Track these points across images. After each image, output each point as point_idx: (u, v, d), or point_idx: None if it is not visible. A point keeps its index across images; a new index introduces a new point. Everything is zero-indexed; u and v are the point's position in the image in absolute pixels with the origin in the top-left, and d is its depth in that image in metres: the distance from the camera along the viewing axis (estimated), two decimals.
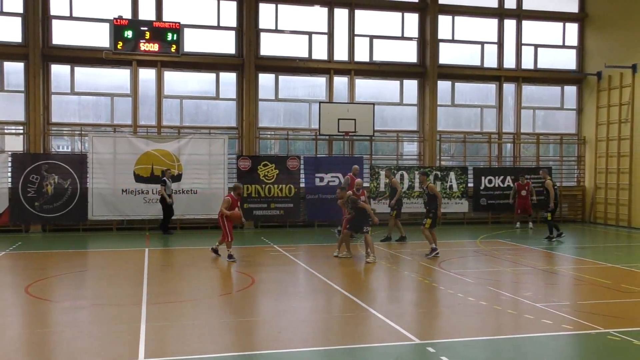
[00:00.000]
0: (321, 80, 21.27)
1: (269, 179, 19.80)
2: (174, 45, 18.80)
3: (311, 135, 21.06)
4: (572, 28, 23.19)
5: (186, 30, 19.57)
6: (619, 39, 21.43)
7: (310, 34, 20.91)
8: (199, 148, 19.28)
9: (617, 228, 20.78)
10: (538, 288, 10.94)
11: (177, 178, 19.05)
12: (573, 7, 23.14)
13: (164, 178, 18.19)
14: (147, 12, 19.52)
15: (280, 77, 20.86)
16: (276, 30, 20.68)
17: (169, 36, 18.77)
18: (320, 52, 21.01)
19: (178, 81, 20.28)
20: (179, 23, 18.94)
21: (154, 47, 18.70)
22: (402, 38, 21.77)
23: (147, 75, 19.67)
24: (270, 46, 20.65)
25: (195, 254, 14.78)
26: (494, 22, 22.55)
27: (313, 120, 20.85)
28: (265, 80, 20.74)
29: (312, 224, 20.24)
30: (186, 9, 19.91)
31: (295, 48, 20.81)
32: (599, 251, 15.28)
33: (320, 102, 20.36)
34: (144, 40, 18.61)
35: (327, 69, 20.92)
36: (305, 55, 20.86)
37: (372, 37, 21.41)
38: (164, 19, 19.33)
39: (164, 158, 18.96)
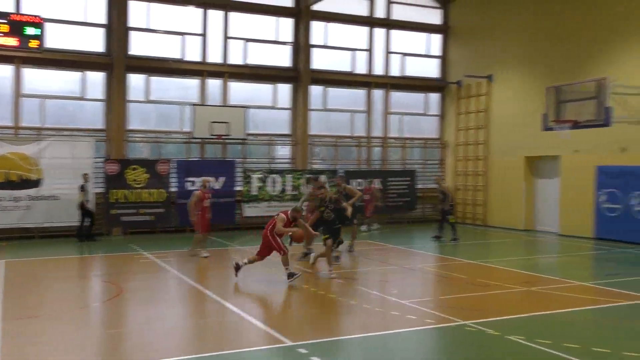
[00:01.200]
0: (194, 83, 20.90)
1: (138, 183, 19.12)
2: (35, 41, 17.60)
3: (183, 138, 20.64)
4: (436, 39, 24.59)
5: (50, 25, 18.39)
6: (478, 50, 23.04)
7: (183, 34, 20.49)
8: (61, 151, 18.17)
9: (474, 227, 22.26)
10: (404, 285, 11.47)
11: (35, 183, 17.82)
12: (437, 19, 24.54)
13: (82, 183, 17.28)
14: (5, 3, 18.14)
15: (152, 78, 20.23)
16: (148, 30, 20.05)
17: (29, 30, 17.54)
18: (193, 54, 20.66)
19: (40, 80, 19.02)
20: (40, 17, 17.78)
21: (12, 41, 17.40)
22: (276, 42, 21.96)
23: (3, 72, 18.30)
24: (141, 45, 19.97)
25: (58, 264, 13.94)
26: (364, 30, 23.37)
27: (185, 123, 20.46)
28: (136, 80, 20.01)
29: (183, 229, 19.79)
30: (50, 2, 18.75)
31: (167, 48, 20.29)
32: (458, 248, 16.25)
33: (193, 105, 20.02)
34: (1, 34, 17.27)
35: (201, 70, 20.62)
36: (178, 56, 20.43)
37: (246, 40, 21.38)
38: (24, 11, 18.06)
39: (21, 162, 17.65)
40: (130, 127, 19.97)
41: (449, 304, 9.78)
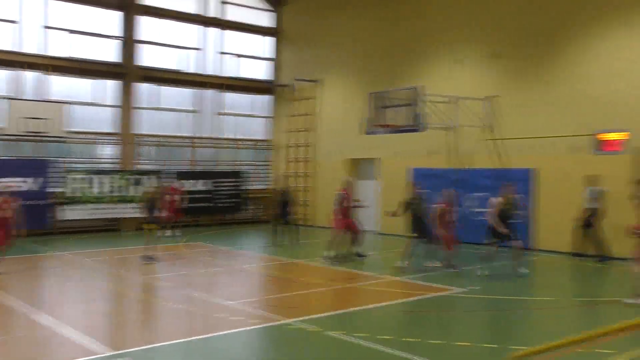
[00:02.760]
0: (7, 74, 19.19)
1: None
2: None
3: None
4: (269, 41, 24.95)
5: None
6: (308, 55, 23.79)
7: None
8: None
9: (304, 227, 22.91)
10: (230, 287, 11.54)
11: None
12: (270, 22, 24.91)
13: None
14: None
15: None
16: None
17: None
18: (5, 42, 18.98)
19: None
20: None
21: None
22: (103, 36, 20.88)
23: None
24: None
25: None
26: (197, 29, 23.05)
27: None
28: None
29: None
30: None
31: None
32: (285, 249, 16.59)
33: (9, 99, 18.39)
34: None
35: (15, 61, 18.99)
36: None
37: (70, 32, 20.07)
38: None
39: None
40: None
41: (274, 303, 10.02)
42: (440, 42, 19.07)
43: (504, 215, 11.90)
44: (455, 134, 18.30)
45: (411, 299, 10.51)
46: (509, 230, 11.95)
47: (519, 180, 16.27)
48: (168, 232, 18.55)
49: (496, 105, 17.38)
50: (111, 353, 7.22)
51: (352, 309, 9.65)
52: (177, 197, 19.33)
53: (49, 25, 19.72)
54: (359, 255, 14.60)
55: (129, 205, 20.20)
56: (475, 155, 17.87)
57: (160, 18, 21.99)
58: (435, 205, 13.42)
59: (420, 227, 13.32)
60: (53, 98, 19.64)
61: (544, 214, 16.27)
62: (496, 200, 11.78)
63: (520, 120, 16.84)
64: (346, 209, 14.58)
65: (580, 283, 12.75)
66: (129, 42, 21.04)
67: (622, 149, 14.62)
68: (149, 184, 19.92)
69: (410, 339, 7.90)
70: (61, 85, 20.16)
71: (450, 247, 13.21)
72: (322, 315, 9.16)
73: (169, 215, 18.22)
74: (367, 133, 17.29)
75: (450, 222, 13.23)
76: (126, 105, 21.00)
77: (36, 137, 18.94)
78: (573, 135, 15.55)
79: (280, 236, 17.31)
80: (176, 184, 20.46)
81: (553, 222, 15.93)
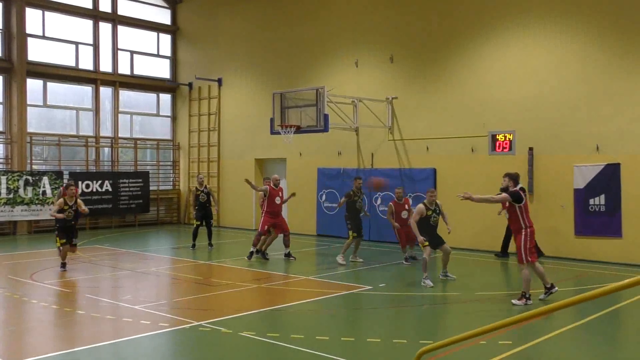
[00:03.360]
0: None
1: None
2: None
3: None
4: (166, 39, 24.30)
5: None
6: (208, 53, 23.38)
7: None
8: None
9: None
10: (137, 290, 11.12)
11: None
12: (166, 19, 24.26)
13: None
14: None
15: None
16: None
17: None
18: None
19: None
20: None
21: None
22: None
23: None
24: None
25: None
26: (89, 24, 22.04)
27: None
28: None
29: None
30: None
31: None
32: (195, 251, 16.13)
33: None
34: None
35: None
36: None
37: None
38: None
39: None
40: None
41: (183, 305, 9.75)
42: (339, 45, 19.29)
43: (425, 222, 11.41)
44: (359, 135, 18.68)
45: (321, 297, 10.56)
46: (426, 237, 11.27)
47: (423, 180, 16.87)
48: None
49: (397, 106, 17.87)
50: None
51: (262, 309, 9.55)
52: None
53: None
54: (288, 255, 14.41)
55: (22, 207, 19.06)
56: (379, 155, 18.29)
57: (46, 10, 20.80)
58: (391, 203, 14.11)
59: (358, 222, 13.72)
60: None
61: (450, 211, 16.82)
62: (417, 206, 11.68)
63: (420, 122, 17.40)
64: (275, 207, 14.31)
65: (482, 278, 13.34)
66: (13, 35, 19.74)
67: (511, 149, 15.47)
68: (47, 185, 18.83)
69: (321, 337, 7.92)
70: None
71: (406, 241, 13.75)
72: (233, 316, 9.00)
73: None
74: (272, 133, 17.25)
75: (403, 218, 13.67)
76: (15, 102, 19.71)
77: None
78: (469, 137, 16.28)
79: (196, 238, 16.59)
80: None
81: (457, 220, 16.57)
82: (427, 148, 17.17)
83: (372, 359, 7.27)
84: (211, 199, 16.51)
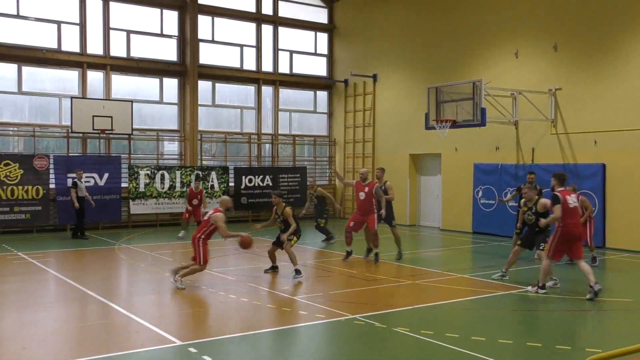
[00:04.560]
0: (73, 75, 19.84)
1: (12, 179, 17.89)
2: None
3: (62, 133, 19.53)
4: (323, 37, 24.94)
5: None
6: (362, 50, 23.63)
7: (59, 23, 19.39)
8: None
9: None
10: (295, 281, 11.53)
11: None
12: (323, 18, 24.89)
13: (75, 180, 16.88)
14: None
15: (24, 68, 19.00)
16: (17, 16, 18.79)
17: None
18: (71, 44, 19.61)
19: None
20: None
21: None
22: (162, 35, 21.34)
23: None
24: (10, 34, 18.68)
25: None
26: (252, 26, 23.25)
27: (64, 117, 19.39)
28: (5, 71, 18.74)
29: (63, 227, 18.78)
30: None
31: (41, 38, 19.12)
32: (344, 245, 16.37)
33: (72, 97, 19.00)
34: None
35: (80, 62, 19.61)
36: (55, 46, 19.31)
37: (129, 32, 20.60)
38: None
39: None
40: (1, 121, 18.71)
41: (338, 298, 9.95)
42: (497, 34, 18.56)
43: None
44: (518, 129, 17.84)
45: (478, 296, 10.23)
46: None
47: (590, 177, 15.78)
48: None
49: (561, 97, 16.81)
50: (180, 343, 7.31)
51: (417, 306, 9.47)
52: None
53: (111, 26, 20.24)
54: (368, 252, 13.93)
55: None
56: (540, 149, 17.35)
57: (215, 16, 22.27)
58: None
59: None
60: (118, 97, 20.20)
61: (620, 212, 15.56)
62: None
63: (587, 114, 16.24)
64: (359, 203, 13.66)
65: None
66: (187, 40, 21.39)
67: None
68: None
69: (477, 337, 7.67)
70: (125, 84, 20.73)
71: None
72: (388, 311, 9.02)
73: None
74: (427, 128, 17.03)
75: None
76: (188, 102, 21.37)
77: (102, 135, 19.55)
78: None
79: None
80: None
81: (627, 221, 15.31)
82: (595, 142, 15.97)
83: None
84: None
